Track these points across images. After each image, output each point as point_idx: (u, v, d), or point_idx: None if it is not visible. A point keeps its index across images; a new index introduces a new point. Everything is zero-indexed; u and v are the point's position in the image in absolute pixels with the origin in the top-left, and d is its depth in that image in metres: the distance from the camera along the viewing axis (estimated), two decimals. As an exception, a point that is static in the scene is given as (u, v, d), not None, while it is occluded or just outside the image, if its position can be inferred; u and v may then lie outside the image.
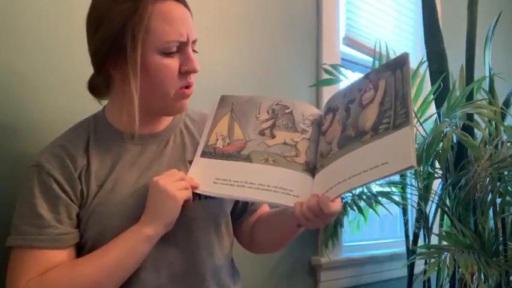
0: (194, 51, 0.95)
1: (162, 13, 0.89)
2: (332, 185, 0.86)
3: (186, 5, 0.94)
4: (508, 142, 1.62)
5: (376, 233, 2.37)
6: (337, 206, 0.86)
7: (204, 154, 0.98)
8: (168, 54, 0.90)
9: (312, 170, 0.93)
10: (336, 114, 0.96)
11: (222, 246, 1.01)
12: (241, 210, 1.10)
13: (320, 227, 0.93)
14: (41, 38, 1.14)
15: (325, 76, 1.80)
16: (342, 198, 1.69)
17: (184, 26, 0.91)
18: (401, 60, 0.90)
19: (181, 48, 0.92)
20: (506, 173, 1.55)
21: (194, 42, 0.95)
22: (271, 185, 0.91)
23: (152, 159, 0.97)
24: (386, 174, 0.81)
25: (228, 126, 1.00)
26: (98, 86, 0.97)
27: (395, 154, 0.81)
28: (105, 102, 1.01)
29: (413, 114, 0.85)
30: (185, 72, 0.92)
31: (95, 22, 0.91)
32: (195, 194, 0.93)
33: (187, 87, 0.94)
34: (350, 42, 2.09)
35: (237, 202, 1.08)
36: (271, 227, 1.07)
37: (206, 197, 0.96)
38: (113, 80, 0.95)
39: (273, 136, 0.97)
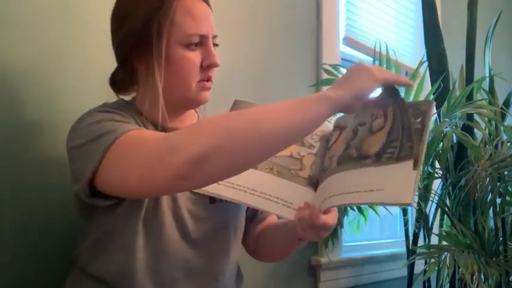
0: (215, 45, 0.98)
1: (186, 8, 0.93)
2: (325, 198, 0.87)
3: (207, 3, 0.99)
4: (508, 142, 1.62)
5: (376, 233, 2.37)
6: (329, 218, 0.87)
7: None
8: (190, 47, 0.93)
9: (315, 184, 0.93)
10: (343, 133, 0.96)
11: (236, 250, 1.02)
12: (250, 217, 1.11)
13: (315, 239, 0.93)
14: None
15: (325, 76, 1.80)
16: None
17: (205, 21, 0.96)
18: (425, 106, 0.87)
19: (203, 42, 0.95)
20: (506, 173, 1.55)
21: (215, 37, 0.98)
22: (273, 195, 0.92)
23: None
24: (378, 201, 0.81)
25: None
26: (120, 81, 0.99)
27: (393, 185, 0.80)
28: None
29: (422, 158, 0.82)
30: (207, 66, 0.96)
31: (120, 18, 0.95)
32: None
33: (207, 80, 0.97)
34: (350, 42, 2.09)
35: (247, 209, 1.08)
36: (275, 237, 1.08)
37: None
38: (137, 73, 0.97)
39: None
